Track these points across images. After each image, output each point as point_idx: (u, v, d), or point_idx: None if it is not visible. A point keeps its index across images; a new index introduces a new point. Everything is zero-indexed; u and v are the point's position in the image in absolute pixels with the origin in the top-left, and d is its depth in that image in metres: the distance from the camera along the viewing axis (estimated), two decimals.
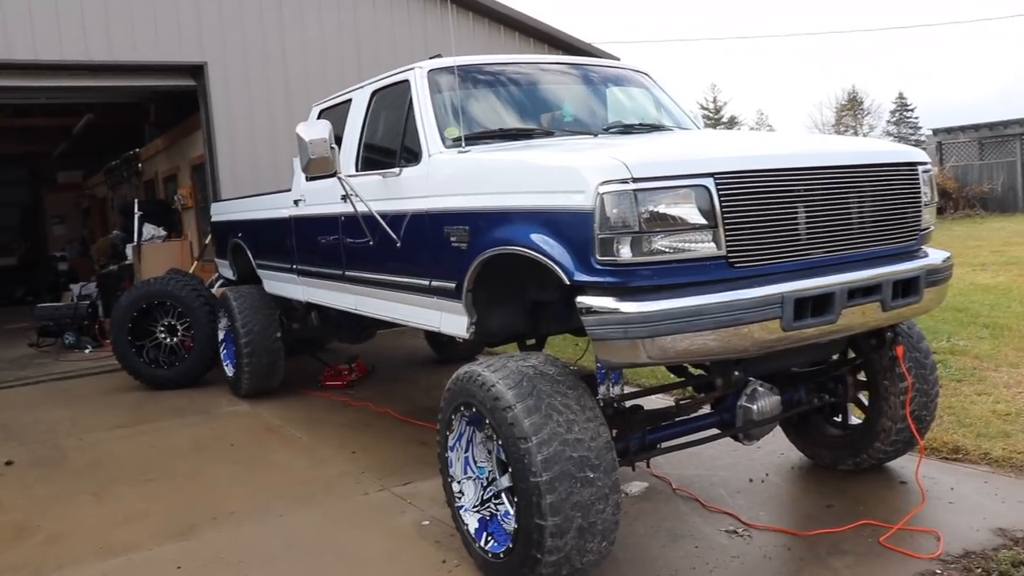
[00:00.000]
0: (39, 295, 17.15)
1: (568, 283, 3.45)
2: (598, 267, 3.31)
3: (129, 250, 12.00)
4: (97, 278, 12.79)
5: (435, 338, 8.59)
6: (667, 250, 3.26)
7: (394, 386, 7.89)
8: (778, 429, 5.13)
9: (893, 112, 68.69)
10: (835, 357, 4.69)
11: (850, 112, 64.25)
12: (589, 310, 3.31)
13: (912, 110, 69.44)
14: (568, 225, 3.43)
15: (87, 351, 10.98)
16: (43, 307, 12.02)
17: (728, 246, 3.31)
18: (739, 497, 4.65)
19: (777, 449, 5.27)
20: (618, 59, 12.92)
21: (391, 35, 11.23)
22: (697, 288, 3.28)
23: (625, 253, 3.24)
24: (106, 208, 18.96)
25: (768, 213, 3.42)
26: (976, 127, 25.21)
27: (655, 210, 3.23)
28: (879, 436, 4.65)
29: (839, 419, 4.96)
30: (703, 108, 69.91)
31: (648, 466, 4.55)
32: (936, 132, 27.78)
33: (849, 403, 4.84)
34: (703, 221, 3.27)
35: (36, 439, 6.84)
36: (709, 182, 3.28)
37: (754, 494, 4.70)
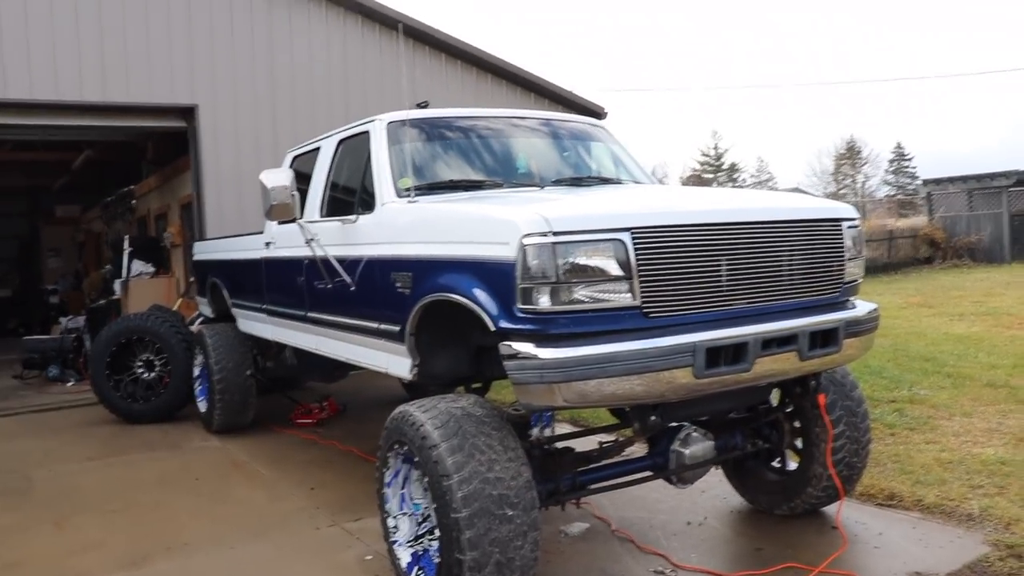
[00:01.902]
0: (32, 328, 17.34)
1: (494, 329, 3.65)
2: (520, 315, 3.51)
3: (117, 285, 12.21)
4: (87, 312, 13.01)
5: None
6: (585, 300, 3.45)
7: (362, 425, 8.03)
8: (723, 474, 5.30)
9: (891, 161, 69.44)
10: (773, 403, 4.87)
11: (848, 161, 64.90)
12: (510, 355, 3.50)
13: (910, 159, 70.22)
14: (494, 274, 3.63)
15: (70, 384, 11.14)
16: (29, 339, 12.22)
17: (643, 297, 3.51)
18: (674, 539, 4.79)
19: (720, 494, 5.42)
20: (603, 108, 13.26)
21: (379, 82, 11.53)
22: (612, 336, 3.47)
23: (544, 302, 3.44)
24: (101, 243, 19.21)
25: (683, 266, 3.61)
26: (965, 179, 25.59)
27: (573, 262, 3.43)
28: (811, 482, 4.80)
29: (777, 464, 5.10)
30: (704, 155, 70.70)
31: (579, 506, 4.68)
32: (926, 183, 28.22)
33: (786, 449, 5.00)
34: (620, 273, 3.47)
35: (6, 468, 6.98)
36: (626, 236, 3.49)
37: (689, 536, 4.84)
